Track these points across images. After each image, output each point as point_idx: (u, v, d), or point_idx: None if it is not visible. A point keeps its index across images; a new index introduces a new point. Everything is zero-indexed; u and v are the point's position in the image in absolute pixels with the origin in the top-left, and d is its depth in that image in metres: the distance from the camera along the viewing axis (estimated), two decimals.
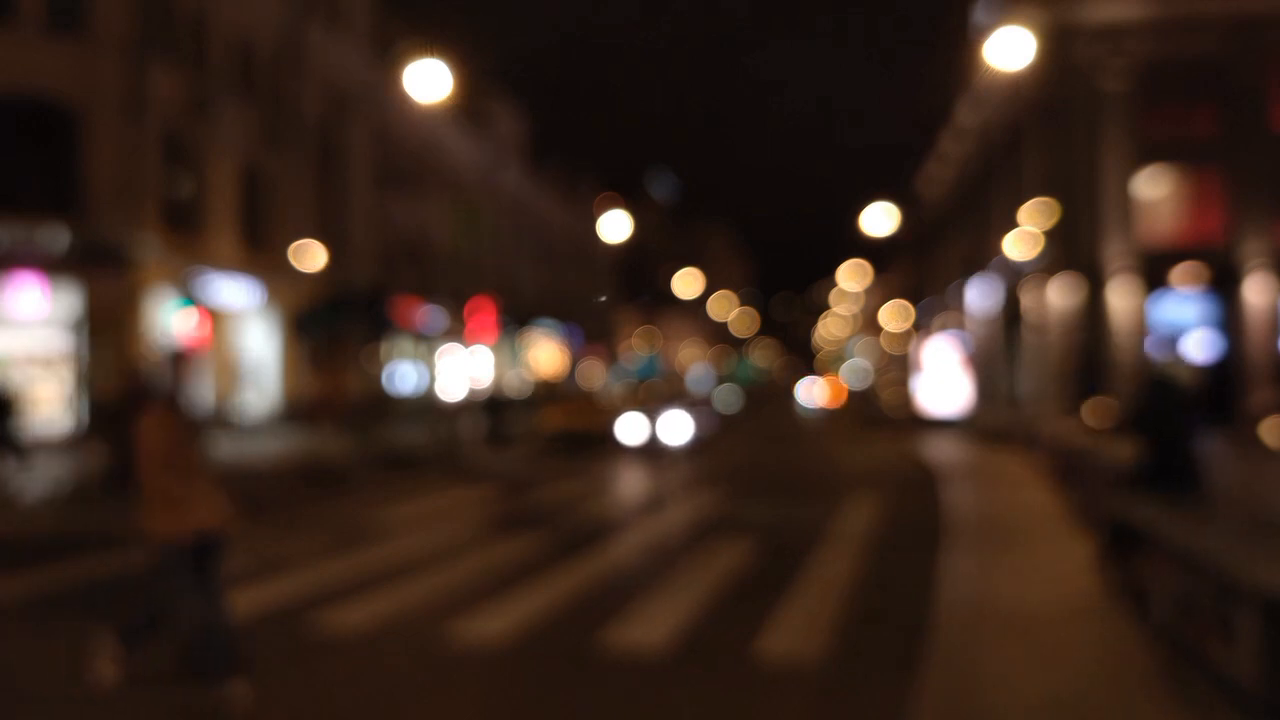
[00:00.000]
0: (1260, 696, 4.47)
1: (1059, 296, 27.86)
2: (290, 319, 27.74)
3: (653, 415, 21.51)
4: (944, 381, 31.67)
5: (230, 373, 25.64)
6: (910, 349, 45.69)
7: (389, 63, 32.06)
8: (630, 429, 21.21)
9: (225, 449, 18.07)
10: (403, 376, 34.62)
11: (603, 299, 63.64)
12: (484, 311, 20.87)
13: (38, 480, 14.13)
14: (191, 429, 5.25)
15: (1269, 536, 5.66)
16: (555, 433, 21.99)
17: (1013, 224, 26.90)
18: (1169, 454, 7.03)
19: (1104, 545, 7.54)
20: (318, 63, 29.91)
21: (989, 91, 32.57)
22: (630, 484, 15.76)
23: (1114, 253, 27.43)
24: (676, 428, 21.28)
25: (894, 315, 60.39)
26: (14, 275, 20.78)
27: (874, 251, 60.86)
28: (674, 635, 6.44)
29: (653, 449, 20.56)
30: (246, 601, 7.31)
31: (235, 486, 13.28)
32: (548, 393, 36.75)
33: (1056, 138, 27.81)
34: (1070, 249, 27.35)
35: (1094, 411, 22.77)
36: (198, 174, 24.45)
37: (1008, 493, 13.05)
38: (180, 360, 5.13)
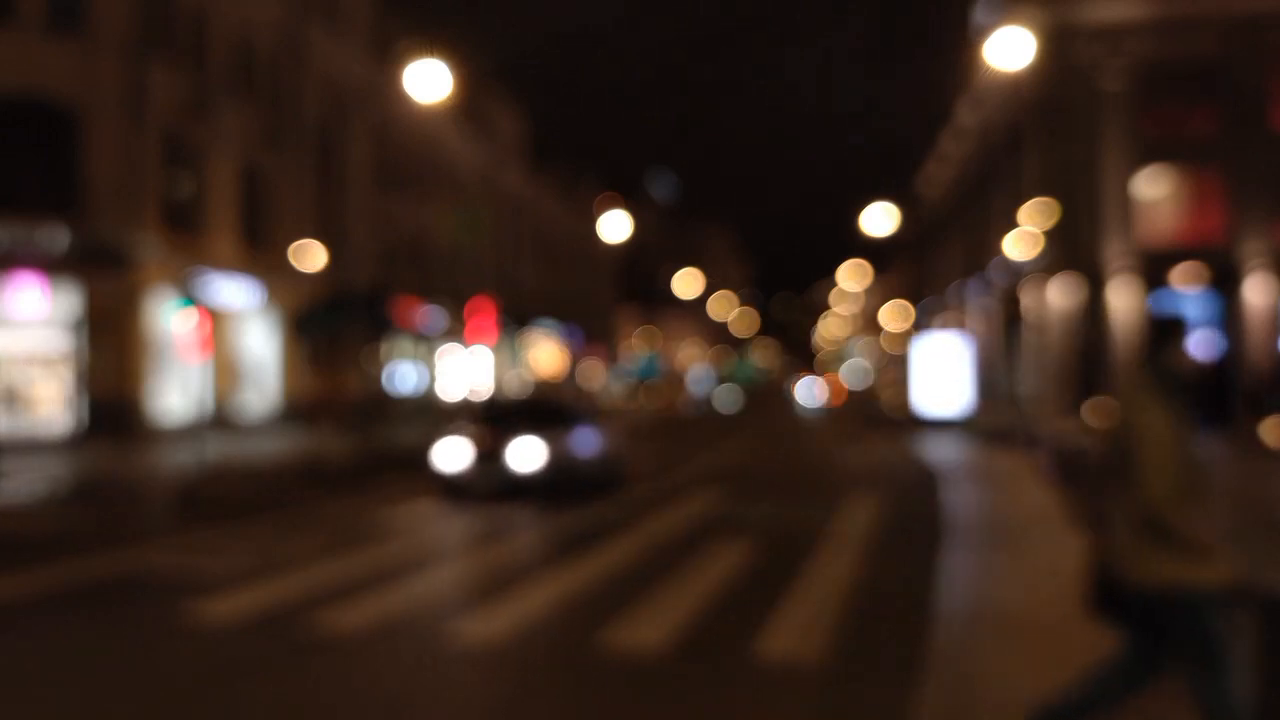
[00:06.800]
0: (1260, 696, 4.46)
1: (1059, 296, 27.85)
2: (290, 319, 27.75)
3: (500, 436, 13.54)
4: (944, 381, 31.67)
5: (230, 373, 25.65)
6: (910, 349, 45.66)
7: (389, 63, 32.07)
8: (449, 453, 13.48)
9: (225, 449, 18.08)
10: (403, 376, 34.62)
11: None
12: (484, 311, 20.74)
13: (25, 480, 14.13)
14: (1191, 432, 3.67)
15: (1269, 536, 5.65)
16: None
17: (1013, 224, 26.91)
18: None
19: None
20: (318, 63, 29.92)
21: (989, 91, 32.57)
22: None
23: (1114, 253, 27.43)
24: (526, 454, 13.27)
25: (894, 315, 60.42)
26: (14, 275, 20.79)
27: (874, 251, 60.95)
28: (674, 635, 6.44)
29: (489, 480, 13.13)
30: (247, 601, 7.31)
31: (235, 486, 13.37)
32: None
33: (1056, 138, 27.81)
34: (1070, 249, 27.36)
35: (1094, 411, 22.77)
36: (198, 174, 24.46)
37: (1008, 493, 13.05)
38: (1171, 329, 3.60)
